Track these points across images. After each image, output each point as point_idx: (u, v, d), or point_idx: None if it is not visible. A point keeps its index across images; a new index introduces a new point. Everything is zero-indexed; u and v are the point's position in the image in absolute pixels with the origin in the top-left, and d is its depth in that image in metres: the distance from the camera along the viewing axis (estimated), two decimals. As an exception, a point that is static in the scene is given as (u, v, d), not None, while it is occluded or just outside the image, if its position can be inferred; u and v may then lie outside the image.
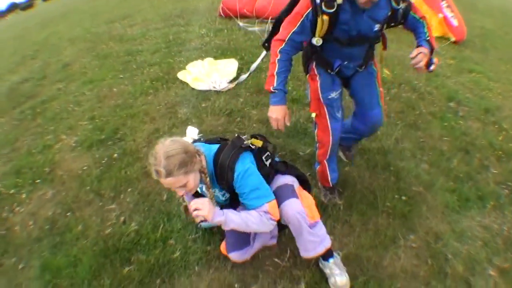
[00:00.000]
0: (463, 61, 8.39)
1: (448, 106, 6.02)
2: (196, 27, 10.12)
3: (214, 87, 6.01)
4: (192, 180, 2.43)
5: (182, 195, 2.51)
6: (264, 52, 7.08)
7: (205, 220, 2.41)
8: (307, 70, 3.38)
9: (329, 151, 3.48)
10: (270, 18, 9.09)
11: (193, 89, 6.12)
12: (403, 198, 3.89)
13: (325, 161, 3.59)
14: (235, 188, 2.58)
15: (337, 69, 3.18)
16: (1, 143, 5.85)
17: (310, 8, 2.79)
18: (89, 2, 23.70)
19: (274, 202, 2.58)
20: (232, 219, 2.47)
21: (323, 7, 2.72)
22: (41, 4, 44.89)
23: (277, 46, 2.98)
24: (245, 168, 2.53)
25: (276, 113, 3.04)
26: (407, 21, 3.04)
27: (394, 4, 2.86)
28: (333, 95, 3.28)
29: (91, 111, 5.98)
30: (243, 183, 2.53)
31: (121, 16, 14.16)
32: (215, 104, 5.59)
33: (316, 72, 3.26)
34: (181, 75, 6.57)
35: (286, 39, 2.94)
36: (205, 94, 5.92)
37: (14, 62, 11.73)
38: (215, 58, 7.15)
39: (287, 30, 2.93)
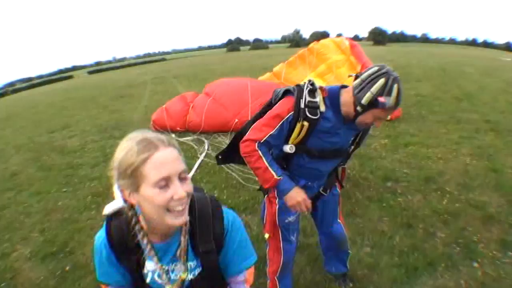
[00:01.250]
0: (398, 137, 8.74)
1: (385, 187, 6.13)
2: None
3: None
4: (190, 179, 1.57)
5: (179, 200, 1.46)
6: (197, 164, 7.60)
7: None
8: (265, 190, 3.10)
9: (279, 270, 3.34)
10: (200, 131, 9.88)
11: None
12: (350, 285, 3.87)
13: (275, 277, 3.41)
14: (223, 245, 1.79)
15: None
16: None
17: (292, 112, 2.64)
18: (30, 108, 23.91)
19: (254, 264, 1.90)
20: None
21: (307, 113, 2.58)
22: None
23: (252, 145, 2.73)
24: (234, 215, 1.87)
25: (297, 196, 2.78)
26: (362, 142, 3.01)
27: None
28: (291, 219, 3.13)
29: (40, 223, 6.13)
30: (233, 237, 1.81)
31: (61, 125, 14.58)
32: None
33: (276, 195, 3.04)
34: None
35: (262, 140, 2.72)
36: None
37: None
38: None
39: (263, 132, 2.71)
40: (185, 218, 1.53)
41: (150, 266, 1.72)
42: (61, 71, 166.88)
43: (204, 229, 1.73)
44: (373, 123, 2.59)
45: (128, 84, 30.61)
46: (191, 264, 1.76)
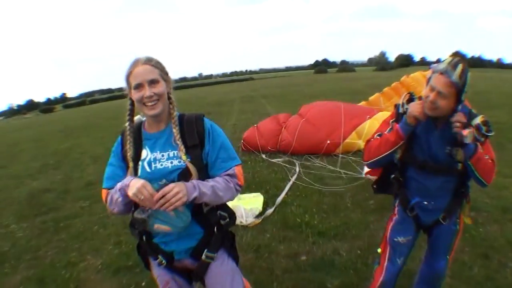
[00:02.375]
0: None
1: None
2: None
3: (241, 222, 6.03)
4: (163, 85, 2.28)
5: (149, 97, 2.20)
6: (288, 186, 7.44)
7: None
8: (393, 206, 3.32)
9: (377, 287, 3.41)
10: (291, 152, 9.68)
11: None
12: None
13: None
14: (205, 143, 2.34)
15: (414, 212, 3.07)
16: (23, 247, 5.98)
17: (394, 118, 2.93)
18: (110, 119, 24.80)
19: (241, 166, 2.47)
20: (205, 192, 2.19)
21: (404, 117, 2.77)
22: (62, 111, 46.49)
23: (368, 140, 3.06)
24: (214, 124, 2.43)
25: (413, 108, 2.73)
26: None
27: (476, 134, 2.66)
28: (401, 239, 3.21)
29: (117, 235, 6.03)
30: (215, 137, 2.37)
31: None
32: (242, 239, 5.55)
33: (395, 212, 3.24)
34: None
35: (375, 136, 3.00)
36: (232, 229, 5.69)
37: (35, 168, 12.08)
38: (241, 192, 6.97)
39: (378, 131, 3.02)
40: (156, 111, 2.24)
41: (143, 154, 2.32)
42: None
43: (189, 128, 2.34)
44: (436, 101, 2.59)
45: (216, 101, 31.46)
46: (174, 152, 2.30)
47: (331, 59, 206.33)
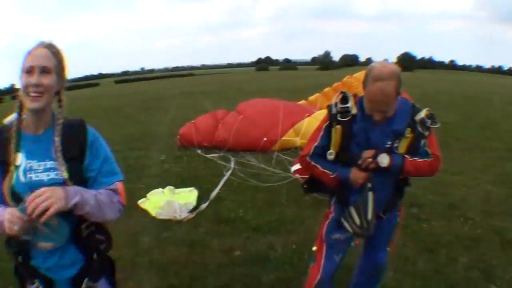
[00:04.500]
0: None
1: (410, 213, 5.96)
2: (155, 152, 10.54)
3: (175, 216, 6.05)
4: (54, 79, 1.94)
5: (34, 86, 1.86)
6: (222, 181, 7.49)
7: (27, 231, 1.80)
8: (328, 204, 3.31)
9: (314, 286, 3.33)
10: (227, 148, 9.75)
11: (154, 217, 6.13)
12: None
13: None
14: (86, 155, 2.06)
15: None
16: None
17: (328, 121, 2.92)
18: None
19: (123, 183, 2.19)
20: (87, 199, 1.92)
21: (338, 117, 2.83)
22: (11, 101, 45.83)
23: (304, 160, 3.07)
24: (97, 134, 2.17)
25: (354, 173, 2.84)
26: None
27: (419, 128, 2.79)
28: (338, 236, 3.17)
29: None
30: (98, 149, 2.11)
31: None
32: (176, 234, 5.59)
33: (331, 209, 3.22)
34: (142, 203, 6.66)
35: (310, 153, 3.01)
36: (166, 223, 5.95)
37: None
38: (175, 186, 7.29)
39: (309, 145, 3.03)
40: (37, 104, 1.89)
41: (18, 160, 1.96)
42: (87, 78, 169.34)
43: (70, 136, 2.02)
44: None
45: (156, 96, 31.23)
46: (51, 163, 1.99)
47: (274, 57, 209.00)
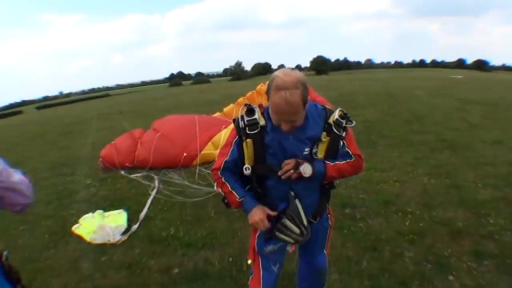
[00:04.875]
0: (349, 164, 9.03)
1: (344, 213, 6.16)
2: (81, 176, 10.67)
3: (109, 240, 6.16)
4: None
5: None
6: (149, 201, 7.78)
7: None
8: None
9: None
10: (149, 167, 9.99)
11: (89, 243, 6.20)
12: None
13: None
14: None
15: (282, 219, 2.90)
16: None
17: (237, 135, 2.82)
18: None
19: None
20: None
21: (247, 130, 2.73)
22: None
23: (216, 174, 2.97)
24: None
25: (256, 215, 2.85)
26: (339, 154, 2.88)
27: (335, 129, 2.75)
28: (271, 248, 3.13)
29: None
30: None
31: (12, 162, 13.95)
32: (113, 257, 5.65)
33: None
34: (76, 228, 6.78)
35: (220, 167, 2.93)
36: (102, 248, 6.00)
37: None
38: (104, 210, 7.46)
39: (220, 160, 2.94)
40: None
41: None
42: (11, 106, 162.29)
43: None
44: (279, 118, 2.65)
45: (75, 120, 30.60)
46: None
47: (186, 71, 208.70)
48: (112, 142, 11.52)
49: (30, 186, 2.22)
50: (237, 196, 2.92)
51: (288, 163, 2.71)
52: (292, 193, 2.84)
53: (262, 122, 2.73)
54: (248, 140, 2.75)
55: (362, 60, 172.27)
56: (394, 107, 18.03)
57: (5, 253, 2.29)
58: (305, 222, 2.88)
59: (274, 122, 2.71)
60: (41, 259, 5.94)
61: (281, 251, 3.23)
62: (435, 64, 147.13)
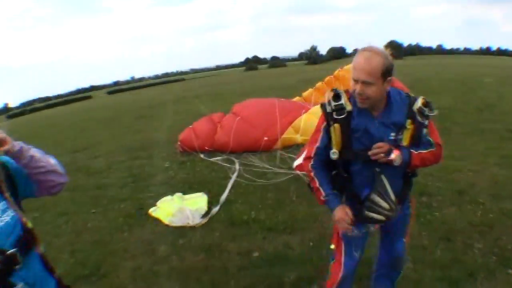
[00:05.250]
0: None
1: (421, 201, 5.99)
2: (159, 160, 10.55)
3: (188, 223, 6.07)
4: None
5: None
6: (230, 184, 7.52)
7: None
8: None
9: (336, 284, 3.34)
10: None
11: (167, 225, 6.14)
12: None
13: None
14: (18, 184, 2.12)
15: (366, 204, 2.88)
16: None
17: (325, 120, 2.87)
18: (50, 127, 24.40)
19: None
20: (29, 147, 2.09)
21: (334, 115, 2.76)
22: (6, 121, 45.88)
23: (307, 165, 3.03)
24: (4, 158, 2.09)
25: (338, 214, 2.91)
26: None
27: (419, 118, 2.75)
28: (355, 233, 3.10)
29: (70, 244, 5.91)
30: (21, 172, 2.09)
31: (83, 146, 14.58)
32: (192, 240, 5.60)
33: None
34: (153, 211, 6.70)
35: (312, 155, 2.98)
36: (180, 230, 5.94)
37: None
38: (184, 193, 7.35)
39: (311, 147, 3.00)
40: None
41: None
42: (79, 91, 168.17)
43: (6, 174, 2.03)
44: (363, 91, 2.62)
45: (149, 104, 30.99)
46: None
47: (261, 56, 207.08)
48: (191, 126, 11.37)
49: (62, 166, 2.28)
50: (323, 194, 2.98)
51: (381, 147, 2.69)
52: (378, 169, 2.81)
53: (348, 107, 2.76)
54: (335, 125, 2.78)
55: (434, 45, 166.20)
56: (465, 94, 17.34)
57: (42, 247, 2.24)
58: (392, 197, 2.84)
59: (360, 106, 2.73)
60: (113, 241, 5.93)
61: (364, 237, 3.26)
62: (500, 52, 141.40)
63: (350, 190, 3.01)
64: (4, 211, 1.94)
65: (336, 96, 2.80)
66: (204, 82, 64.71)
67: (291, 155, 8.92)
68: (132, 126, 18.79)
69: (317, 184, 2.99)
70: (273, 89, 25.82)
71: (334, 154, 2.82)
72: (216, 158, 9.66)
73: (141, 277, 4.83)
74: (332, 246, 3.36)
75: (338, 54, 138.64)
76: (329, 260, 3.48)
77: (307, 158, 3.05)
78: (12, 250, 1.91)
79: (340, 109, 2.75)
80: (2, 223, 1.91)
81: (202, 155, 10.06)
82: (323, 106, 2.88)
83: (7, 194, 1.98)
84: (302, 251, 4.93)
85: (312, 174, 3.02)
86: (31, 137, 20.89)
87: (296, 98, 13.57)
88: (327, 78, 12.62)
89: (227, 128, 10.36)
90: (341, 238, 3.24)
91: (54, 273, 2.29)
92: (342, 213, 2.90)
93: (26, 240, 2.04)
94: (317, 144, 2.95)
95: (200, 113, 16.30)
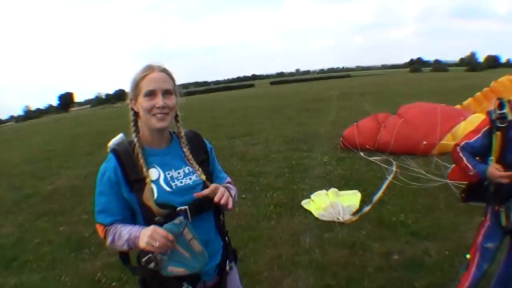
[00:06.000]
0: None
1: None
2: (318, 154, 10.60)
3: (338, 218, 6.06)
4: (175, 99, 2.12)
5: (160, 108, 2.01)
6: (384, 184, 7.42)
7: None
8: (484, 213, 3.22)
9: None
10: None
11: (316, 218, 6.19)
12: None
13: None
14: (210, 158, 2.36)
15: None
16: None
17: (488, 126, 2.90)
18: (207, 112, 25.90)
19: None
20: (234, 194, 2.30)
21: (497, 123, 2.80)
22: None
23: (455, 149, 3.08)
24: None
25: (493, 171, 2.81)
26: None
27: None
28: (490, 245, 3.13)
29: None
30: (213, 152, 2.40)
31: (241, 132, 15.15)
32: (338, 235, 5.60)
33: (487, 218, 3.15)
34: (305, 203, 6.76)
35: (461, 144, 3.04)
36: (328, 225, 5.96)
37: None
38: (339, 188, 7.32)
39: (463, 139, 3.08)
40: (165, 124, 2.05)
41: (154, 174, 2.07)
42: (239, 79, 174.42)
43: (195, 144, 2.29)
44: None
45: (314, 97, 31.40)
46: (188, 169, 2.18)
47: (425, 58, 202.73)
48: (356, 123, 11.33)
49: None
50: (471, 167, 2.96)
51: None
52: None
53: (510, 117, 2.77)
54: (497, 132, 2.81)
55: None
56: None
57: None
58: None
59: None
60: (258, 228, 6.12)
61: (496, 250, 3.19)
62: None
63: (502, 201, 2.97)
64: (190, 173, 2.17)
65: (501, 105, 2.85)
66: (370, 80, 64.06)
67: (446, 164, 8.45)
68: (294, 117, 19.01)
69: (464, 161, 3.01)
70: (435, 93, 24.84)
71: (491, 161, 2.86)
72: (374, 158, 9.53)
73: (278, 265, 4.90)
74: (468, 256, 3.34)
75: (493, 63, 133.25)
76: (460, 269, 3.48)
77: (455, 145, 3.12)
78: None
79: (502, 117, 2.79)
80: (191, 181, 2.14)
81: (362, 153, 9.99)
82: (489, 112, 2.92)
83: (192, 161, 2.20)
84: (437, 258, 4.82)
85: (459, 154, 3.05)
86: (187, 118, 22.23)
87: (457, 107, 13.06)
88: (485, 90, 12.69)
89: (390, 129, 10.19)
90: (478, 249, 3.23)
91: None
92: (495, 168, 2.81)
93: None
94: (469, 140, 3.03)
95: (364, 111, 16.16)
